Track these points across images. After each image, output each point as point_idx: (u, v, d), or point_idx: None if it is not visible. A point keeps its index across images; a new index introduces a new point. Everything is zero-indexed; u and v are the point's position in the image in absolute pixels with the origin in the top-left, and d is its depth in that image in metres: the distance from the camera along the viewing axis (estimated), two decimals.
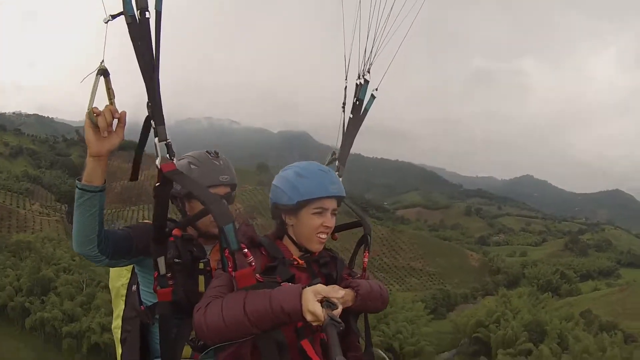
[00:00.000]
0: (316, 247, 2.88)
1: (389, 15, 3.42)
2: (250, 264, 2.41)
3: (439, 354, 59.60)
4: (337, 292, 2.23)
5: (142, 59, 2.44)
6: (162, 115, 2.57)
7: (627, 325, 62.92)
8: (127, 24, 2.41)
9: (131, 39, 2.42)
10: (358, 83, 3.70)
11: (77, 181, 2.66)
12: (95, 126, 2.53)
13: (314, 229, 2.82)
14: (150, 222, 3.08)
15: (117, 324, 3.66)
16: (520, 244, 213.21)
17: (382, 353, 3.22)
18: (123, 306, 3.59)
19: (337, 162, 3.65)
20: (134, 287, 3.43)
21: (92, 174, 2.61)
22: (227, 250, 2.40)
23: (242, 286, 2.37)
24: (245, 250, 2.41)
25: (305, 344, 2.62)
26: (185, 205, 3.33)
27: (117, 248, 2.93)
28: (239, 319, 2.28)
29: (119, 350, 3.57)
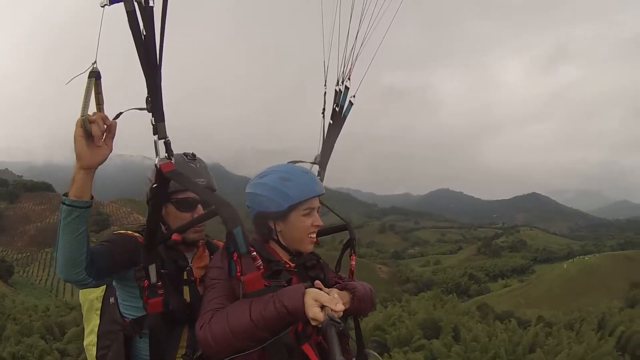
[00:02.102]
0: (309, 248, 2.88)
1: (368, 21, 3.38)
2: (258, 267, 2.39)
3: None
4: (336, 305, 2.22)
5: (145, 52, 2.26)
6: (163, 112, 2.40)
7: (524, 312, 63.07)
8: (127, 11, 2.21)
9: (131, 28, 2.23)
10: (337, 89, 3.66)
11: (63, 197, 2.49)
12: (89, 135, 2.38)
13: (305, 230, 2.82)
14: (125, 232, 3.10)
15: (91, 340, 3.38)
16: (436, 253, 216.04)
17: (375, 354, 3.15)
18: (97, 321, 3.34)
19: (318, 167, 3.59)
20: (112, 300, 3.24)
21: (82, 188, 2.47)
22: (235, 254, 2.37)
23: (251, 290, 2.37)
24: (254, 253, 2.38)
25: (307, 348, 2.55)
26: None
27: (102, 267, 2.74)
28: (247, 327, 2.28)
29: None
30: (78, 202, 2.46)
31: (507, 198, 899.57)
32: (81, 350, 21.10)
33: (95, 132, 2.36)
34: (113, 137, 2.47)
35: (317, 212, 2.88)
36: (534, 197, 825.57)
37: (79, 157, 2.40)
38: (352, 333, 3.17)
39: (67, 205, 2.46)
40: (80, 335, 22.16)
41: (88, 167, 2.43)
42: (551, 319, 54.93)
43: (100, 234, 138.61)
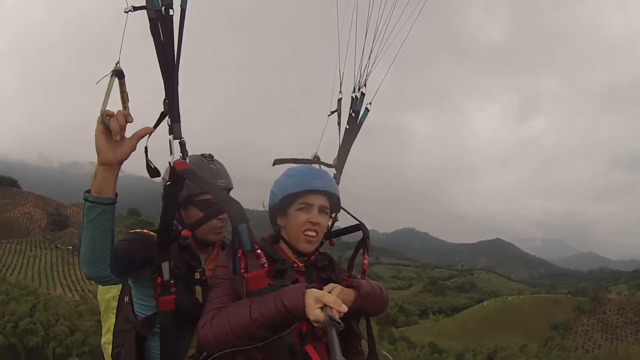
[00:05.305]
0: (304, 247, 2.81)
1: (385, 30, 3.49)
2: (263, 265, 2.36)
3: None
4: (340, 306, 2.14)
5: (164, 57, 2.36)
6: (179, 113, 2.48)
7: (423, 339, 66.90)
8: (150, 18, 2.34)
9: (152, 34, 2.35)
10: (354, 96, 3.71)
11: (85, 194, 2.46)
12: (108, 130, 2.36)
13: (300, 225, 2.76)
14: (141, 230, 3.12)
15: (107, 339, 3.45)
16: (386, 288, 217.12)
17: (387, 355, 3.17)
18: (114, 319, 3.42)
19: (334, 170, 3.57)
20: (126, 299, 3.27)
21: (102, 184, 2.44)
22: (240, 251, 2.34)
23: (254, 288, 2.34)
24: (259, 251, 2.35)
25: (309, 349, 2.56)
26: (182, 213, 3.16)
27: (124, 264, 2.72)
28: (247, 325, 2.25)
29: None
30: (100, 199, 2.42)
31: (472, 242, 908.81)
32: (7, 321, 24.89)
33: (113, 126, 2.33)
34: (137, 137, 2.45)
35: (321, 211, 2.81)
36: (497, 242, 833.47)
37: (98, 152, 2.39)
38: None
39: (90, 202, 2.42)
40: (10, 309, 25.94)
41: (108, 163, 2.40)
42: (446, 347, 59.28)
43: (55, 233, 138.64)
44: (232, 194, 3.16)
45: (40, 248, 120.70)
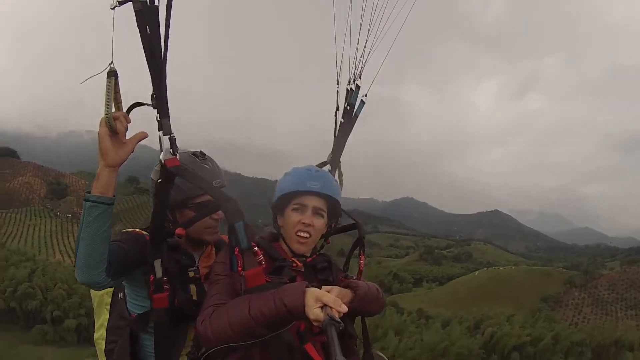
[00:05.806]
0: (296, 247, 2.81)
1: (379, 22, 3.45)
2: (260, 263, 2.38)
3: None
4: (340, 306, 2.14)
5: (150, 49, 2.32)
6: (168, 109, 2.44)
7: (413, 306, 67.83)
8: (135, 11, 2.29)
9: (139, 27, 2.30)
10: (349, 88, 3.67)
11: (87, 194, 2.49)
12: (114, 132, 2.41)
13: (293, 226, 2.78)
14: (132, 230, 3.08)
15: (100, 334, 3.45)
16: (383, 256, 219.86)
17: (382, 355, 3.15)
18: (107, 315, 3.40)
19: (328, 165, 3.56)
20: (121, 295, 3.25)
21: (106, 185, 2.48)
22: (237, 249, 2.35)
23: (252, 286, 2.35)
24: (256, 248, 2.38)
25: (309, 348, 2.56)
26: (176, 214, 3.07)
27: (117, 266, 2.70)
28: (245, 323, 2.25)
29: None
30: (102, 198, 2.44)
31: (471, 213, 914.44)
32: (6, 286, 25.84)
33: (119, 129, 2.37)
34: (138, 140, 2.50)
35: (316, 212, 2.81)
36: (496, 214, 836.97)
37: (104, 154, 2.41)
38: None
39: (92, 201, 2.43)
40: (10, 274, 26.86)
41: (112, 165, 2.44)
42: (433, 314, 60.02)
43: (54, 201, 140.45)
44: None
45: (40, 217, 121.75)
